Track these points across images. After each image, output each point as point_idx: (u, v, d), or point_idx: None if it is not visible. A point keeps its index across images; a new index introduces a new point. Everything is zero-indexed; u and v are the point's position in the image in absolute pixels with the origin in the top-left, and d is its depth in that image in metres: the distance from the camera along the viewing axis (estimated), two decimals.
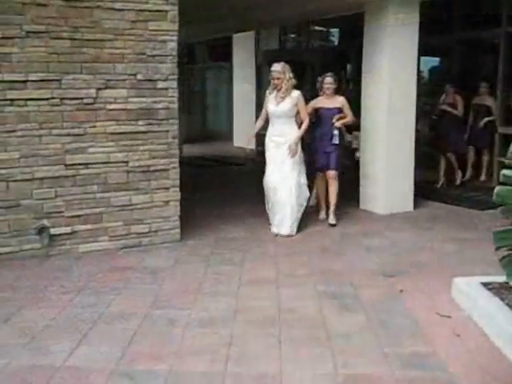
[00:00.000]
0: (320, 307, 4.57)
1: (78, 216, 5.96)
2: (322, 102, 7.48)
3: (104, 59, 6.01)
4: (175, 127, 6.46)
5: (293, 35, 15.51)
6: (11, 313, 4.43)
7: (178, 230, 6.48)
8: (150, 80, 6.25)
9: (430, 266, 5.67)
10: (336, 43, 14.66)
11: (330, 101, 7.45)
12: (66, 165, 5.94)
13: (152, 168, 6.34)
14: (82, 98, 5.96)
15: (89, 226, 6.01)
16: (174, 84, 6.39)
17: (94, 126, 6.04)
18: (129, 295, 4.85)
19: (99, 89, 6.03)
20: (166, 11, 6.18)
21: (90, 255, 5.90)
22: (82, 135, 5.99)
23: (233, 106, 15.96)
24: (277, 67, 6.92)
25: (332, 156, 7.37)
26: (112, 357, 3.70)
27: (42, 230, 5.79)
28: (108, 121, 6.10)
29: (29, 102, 5.76)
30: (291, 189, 6.85)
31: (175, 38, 6.27)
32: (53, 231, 5.86)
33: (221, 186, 10.03)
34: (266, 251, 6.23)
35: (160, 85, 6.31)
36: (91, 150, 6.04)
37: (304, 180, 7.04)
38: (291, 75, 6.93)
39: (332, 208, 7.36)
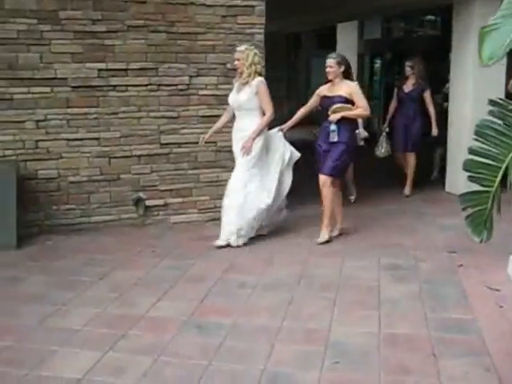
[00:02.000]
0: (378, 277, 4.91)
1: (170, 190, 6.58)
2: (325, 89, 6.09)
3: (197, 50, 6.58)
4: None
5: (396, 24, 15.49)
6: (106, 272, 5.08)
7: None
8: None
9: (495, 244, 5.82)
10: (439, 31, 14.50)
11: (334, 88, 5.96)
12: (161, 144, 6.57)
13: None
14: (176, 85, 6.56)
15: (179, 200, 6.63)
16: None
17: (186, 110, 6.63)
18: (208, 261, 5.40)
19: (192, 76, 6.60)
20: (254, 6, 6.66)
21: (180, 226, 6.51)
22: (176, 118, 6.60)
23: None
24: (240, 48, 5.94)
25: (327, 156, 5.94)
26: (186, 310, 4.23)
27: (138, 202, 6.47)
28: (199, 105, 6.67)
29: (129, 88, 6.44)
30: (237, 193, 5.87)
31: (262, 30, 6.73)
32: (148, 203, 6.53)
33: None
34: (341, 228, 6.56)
35: None
36: (183, 131, 6.63)
37: (255, 189, 5.87)
38: (257, 60, 5.86)
39: (325, 221, 5.99)
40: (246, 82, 5.86)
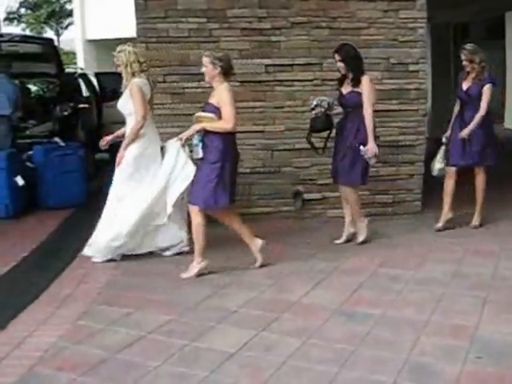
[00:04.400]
0: None
1: (328, 184, 6.88)
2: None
3: (359, 45, 6.78)
4: (424, 106, 7.05)
5: None
6: (267, 258, 5.49)
7: (419, 203, 7.08)
8: (401, 63, 6.92)
9: None
10: None
11: (212, 94, 5.26)
12: (321, 138, 6.89)
13: (400, 143, 7.01)
14: None
15: (337, 194, 6.88)
16: (425, 67, 7.00)
17: None
18: (362, 255, 5.64)
19: None
20: (415, 0, 6.78)
21: (336, 220, 6.76)
22: None
23: (505, 84, 15.59)
24: (121, 47, 5.64)
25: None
26: (337, 300, 4.52)
27: (297, 195, 6.85)
28: None
29: (295, 83, 6.85)
30: (108, 207, 5.55)
31: (424, 24, 6.84)
32: (306, 196, 6.90)
33: None
34: (490, 227, 6.53)
35: (411, 68, 6.95)
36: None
37: (129, 205, 5.47)
38: (133, 58, 5.51)
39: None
40: (126, 86, 5.59)
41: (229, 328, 4.07)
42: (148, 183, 5.51)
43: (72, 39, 22.98)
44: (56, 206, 7.51)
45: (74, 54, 21.58)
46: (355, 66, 5.80)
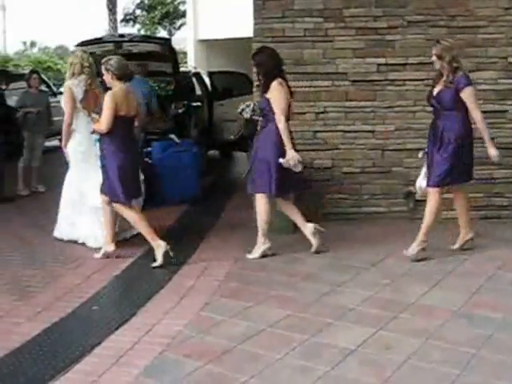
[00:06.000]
0: None
1: None
2: None
3: (477, 44, 6.64)
4: None
5: None
6: (377, 260, 5.46)
7: None
8: None
9: None
10: None
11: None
12: None
13: None
14: None
15: (450, 196, 6.74)
16: None
17: None
18: (479, 258, 5.50)
19: (470, 71, 6.65)
20: None
21: (452, 222, 6.58)
22: None
23: None
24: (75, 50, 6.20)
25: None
26: (456, 302, 4.44)
27: (408, 195, 6.75)
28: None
29: (407, 82, 6.75)
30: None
31: None
32: (417, 197, 6.77)
33: None
34: None
35: None
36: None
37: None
38: (71, 60, 6.11)
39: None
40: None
41: (347, 325, 4.09)
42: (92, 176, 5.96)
43: (183, 39, 23.57)
44: (172, 200, 7.75)
45: (184, 53, 22.14)
46: (265, 71, 5.65)
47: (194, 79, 11.81)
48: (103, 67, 5.60)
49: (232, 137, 11.46)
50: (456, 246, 5.73)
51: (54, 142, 11.07)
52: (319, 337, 3.90)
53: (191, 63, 20.03)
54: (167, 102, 9.79)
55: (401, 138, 6.79)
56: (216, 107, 11.37)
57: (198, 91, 11.76)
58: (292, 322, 4.17)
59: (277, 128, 5.49)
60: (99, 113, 5.58)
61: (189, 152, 8.34)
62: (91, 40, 9.93)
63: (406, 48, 6.68)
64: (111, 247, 5.65)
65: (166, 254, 5.30)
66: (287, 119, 5.54)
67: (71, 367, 3.58)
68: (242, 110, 5.94)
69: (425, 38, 6.64)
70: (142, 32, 30.28)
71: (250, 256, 5.59)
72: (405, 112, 6.78)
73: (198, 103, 10.99)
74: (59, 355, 3.72)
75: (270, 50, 5.83)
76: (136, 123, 5.86)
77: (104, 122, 5.42)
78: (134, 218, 5.57)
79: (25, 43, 44.54)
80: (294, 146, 5.54)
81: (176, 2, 32.34)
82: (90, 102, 6.09)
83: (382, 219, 6.77)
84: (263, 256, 5.59)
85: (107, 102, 5.42)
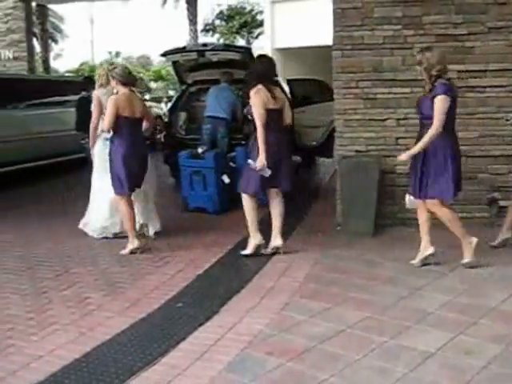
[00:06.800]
0: None
1: None
2: None
3: None
4: None
5: None
6: (458, 265, 5.36)
7: None
8: None
9: None
10: None
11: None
12: None
13: None
14: None
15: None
16: None
17: None
18: None
19: None
20: None
21: None
22: None
23: None
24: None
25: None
26: None
27: (492, 202, 6.60)
28: None
29: (487, 89, 6.61)
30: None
31: None
32: (502, 203, 6.62)
33: None
34: None
35: None
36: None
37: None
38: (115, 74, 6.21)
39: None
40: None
41: (426, 329, 4.06)
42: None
43: (260, 47, 23.86)
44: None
45: None
46: (248, 80, 5.88)
47: None
48: (109, 74, 6.25)
49: (314, 142, 11.49)
50: None
51: None
52: (398, 339, 3.89)
53: None
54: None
55: (485, 144, 6.64)
56: (296, 114, 11.40)
57: None
58: (371, 323, 4.17)
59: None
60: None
61: None
62: (175, 49, 10.18)
63: (487, 54, 6.54)
64: (135, 243, 6.02)
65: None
66: (265, 125, 5.53)
67: (158, 360, 3.72)
68: None
69: (506, 44, 6.50)
70: (221, 41, 30.81)
71: (243, 252, 5.81)
72: (488, 119, 6.63)
73: None
74: (146, 348, 3.87)
75: (260, 58, 6.17)
76: (146, 124, 6.34)
77: (106, 121, 6.01)
78: (126, 213, 6.07)
79: (110, 53, 46.01)
80: (267, 151, 5.51)
81: (254, 12, 32.80)
82: None
83: (465, 225, 6.61)
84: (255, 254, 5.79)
85: (109, 105, 5.98)
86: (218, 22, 34.09)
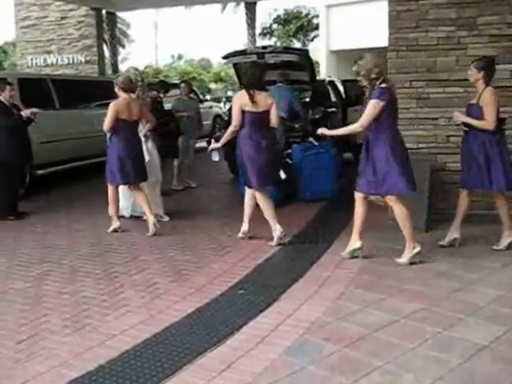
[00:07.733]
0: None
1: None
2: None
3: None
4: None
5: None
6: (511, 260, 5.25)
7: None
8: None
9: None
10: None
11: None
12: None
13: None
14: None
15: None
16: None
17: None
18: None
19: None
20: None
21: None
22: None
23: None
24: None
25: None
26: None
27: None
28: None
29: None
30: None
31: None
32: None
33: None
34: None
35: None
36: None
37: None
38: (139, 75, 7.34)
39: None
40: None
41: (479, 322, 3.98)
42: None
43: (316, 49, 23.79)
44: (311, 198, 7.85)
45: (317, 63, 22.37)
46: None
47: (329, 87, 11.82)
48: (114, 82, 6.82)
49: None
50: None
51: (203, 144, 11.54)
52: (451, 331, 3.83)
53: (322, 72, 20.13)
54: (305, 108, 9.86)
55: None
56: (350, 113, 11.30)
57: (333, 98, 11.75)
58: (424, 315, 4.11)
59: (241, 130, 5.91)
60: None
61: (327, 154, 8.36)
62: (235, 52, 10.24)
63: None
64: (116, 224, 6.70)
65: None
66: (236, 124, 5.90)
67: (222, 342, 3.77)
68: None
69: None
70: (278, 44, 30.87)
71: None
72: None
73: (333, 109, 10.97)
74: (211, 331, 3.93)
75: (248, 68, 6.36)
76: (144, 125, 7.00)
77: (105, 122, 6.51)
78: (111, 197, 6.70)
79: (173, 56, 46.58)
80: (229, 144, 6.18)
81: (310, 16, 32.72)
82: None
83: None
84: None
85: (109, 108, 6.53)
86: (275, 25, 34.18)
